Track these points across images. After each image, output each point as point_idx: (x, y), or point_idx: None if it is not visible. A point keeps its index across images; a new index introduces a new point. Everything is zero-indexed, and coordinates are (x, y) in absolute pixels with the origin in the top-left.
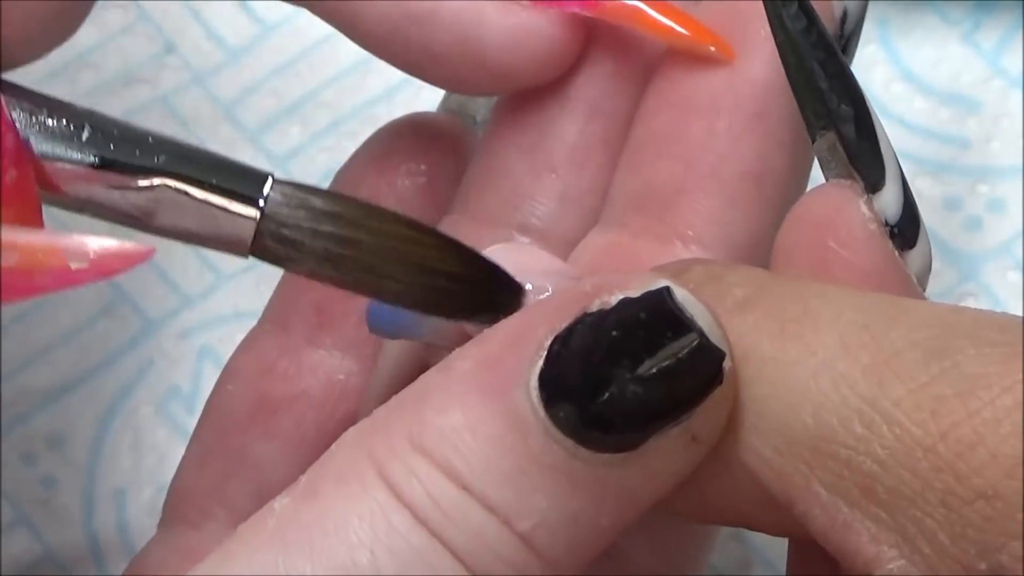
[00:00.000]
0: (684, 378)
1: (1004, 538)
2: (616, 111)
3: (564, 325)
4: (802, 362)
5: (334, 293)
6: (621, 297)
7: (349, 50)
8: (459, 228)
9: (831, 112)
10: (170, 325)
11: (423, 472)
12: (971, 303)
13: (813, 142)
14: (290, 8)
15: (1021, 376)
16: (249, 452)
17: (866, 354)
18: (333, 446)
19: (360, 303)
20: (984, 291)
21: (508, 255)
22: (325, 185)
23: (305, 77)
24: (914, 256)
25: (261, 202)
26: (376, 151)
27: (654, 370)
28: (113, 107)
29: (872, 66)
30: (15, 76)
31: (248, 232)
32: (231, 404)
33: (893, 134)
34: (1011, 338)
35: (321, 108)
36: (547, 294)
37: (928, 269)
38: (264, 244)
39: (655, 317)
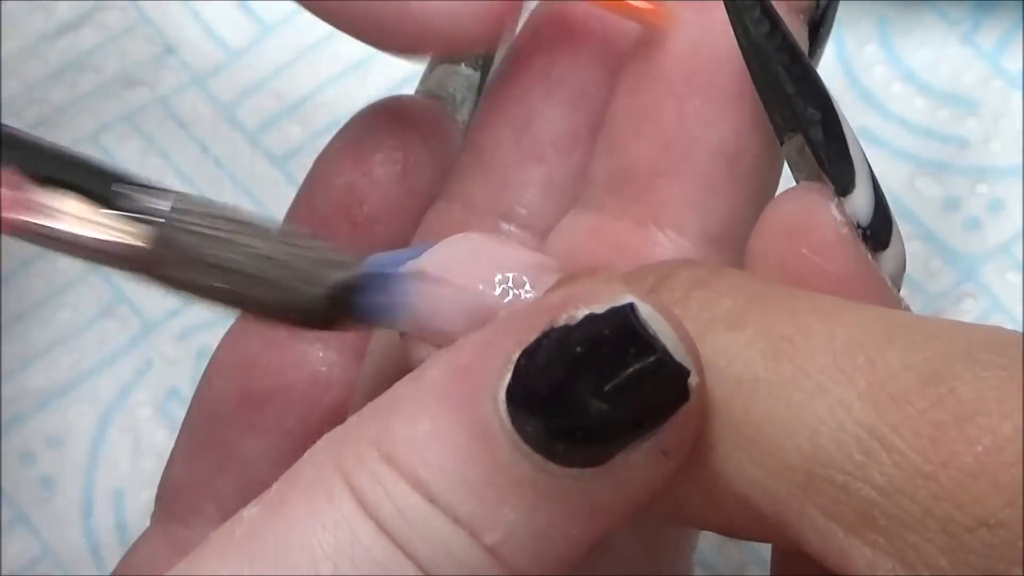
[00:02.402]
0: (648, 395)
1: (1006, 564)
2: (601, 98)
3: (532, 338)
4: (797, 384)
5: None
6: (587, 312)
7: (349, 50)
8: (445, 216)
9: (798, 116)
10: (169, 326)
11: (389, 482)
12: (970, 303)
13: (781, 144)
14: (290, 8)
15: (1019, 402)
16: (235, 447)
17: (862, 377)
18: (305, 454)
19: None
20: (983, 291)
21: (488, 245)
22: None
23: (305, 77)
24: (888, 257)
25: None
26: (351, 138)
27: (617, 387)
28: (113, 109)
29: (872, 66)
30: None
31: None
32: (216, 398)
33: (893, 134)
34: (1008, 361)
35: (321, 108)
36: (527, 292)
37: (902, 269)
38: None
39: (618, 334)
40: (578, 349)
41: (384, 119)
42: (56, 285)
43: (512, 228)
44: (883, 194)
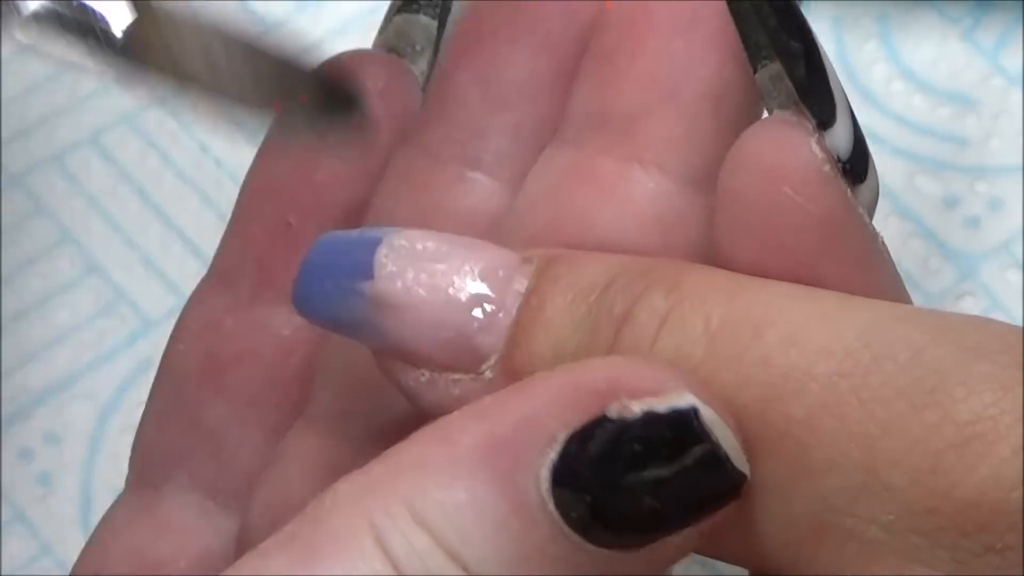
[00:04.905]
0: (703, 495)
1: None
2: (568, 44)
3: (580, 422)
4: (792, 435)
5: (275, 248)
6: (646, 409)
7: (349, 50)
8: (412, 162)
9: (780, 49)
10: (168, 324)
11: (423, 547)
12: (969, 302)
13: (755, 72)
14: (290, 8)
15: (1017, 418)
16: (202, 413)
17: (852, 415)
18: (326, 499)
19: (301, 257)
20: (983, 290)
21: (446, 249)
22: None
23: None
24: (864, 190)
25: None
26: None
27: (673, 487)
28: (112, 108)
29: (871, 64)
30: None
31: None
32: (182, 364)
33: (892, 132)
34: (1003, 370)
35: None
36: (498, 314)
37: (876, 199)
38: None
39: (680, 437)
40: (636, 447)
41: (340, 76)
42: (55, 283)
43: (479, 175)
44: (859, 126)
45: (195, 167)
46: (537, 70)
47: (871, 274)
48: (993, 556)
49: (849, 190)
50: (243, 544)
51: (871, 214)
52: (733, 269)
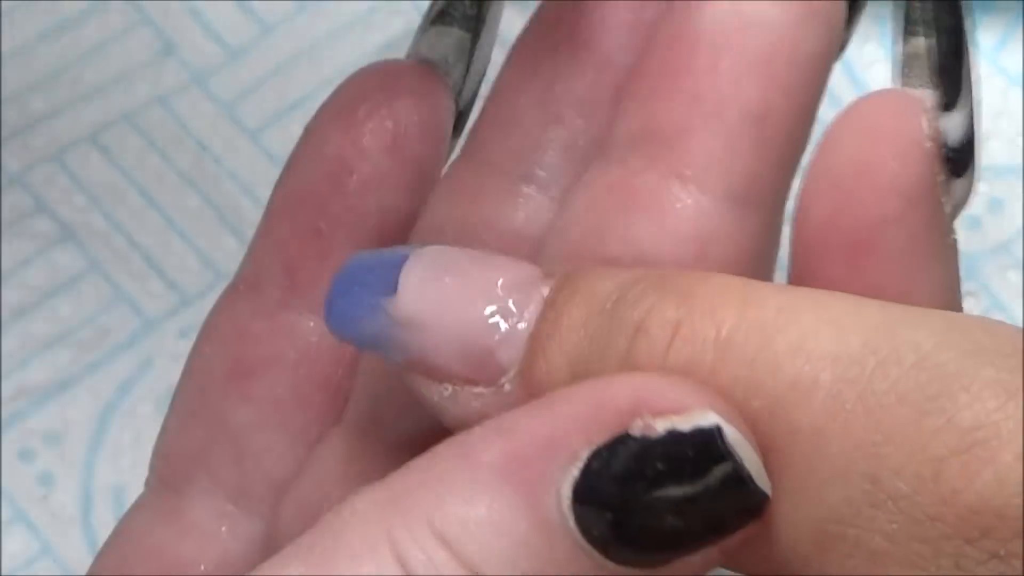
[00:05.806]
0: (725, 514)
1: None
2: (627, 63)
3: (602, 440)
4: (798, 445)
5: (305, 255)
6: (669, 428)
7: (349, 50)
8: (465, 174)
9: (933, 19)
10: (169, 324)
11: (442, 562)
12: (970, 302)
13: (904, 43)
14: (290, 8)
15: (1020, 423)
16: (227, 417)
17: (857, 423)
18: (345, 511)
19: (331, 265)
20: (983, 290)
21: (465, 267)
22: None
23: (305, 77)
24: (958, 186)
25: None
26: (340, 106)
27: (696, 507)
28: (113, 108)
29: (871, 65)
30: None
31: None
32: (208, 367)
33: None
34: (1006, 375)
35: None
36: (517, 322)
37: (966, 202)
38: None
39: (704, 456)
40: (659, 465)
41: (373, 85)
42: (56, 281)
43: (531, 191)
44: (975, 126)
45: (195, 166)
46: (595, 86)
47: (925, 266)
48: (997, 563)
49: (943, 177)
50: (272, 549)
51: (955, 215)
52: (806, 227)
